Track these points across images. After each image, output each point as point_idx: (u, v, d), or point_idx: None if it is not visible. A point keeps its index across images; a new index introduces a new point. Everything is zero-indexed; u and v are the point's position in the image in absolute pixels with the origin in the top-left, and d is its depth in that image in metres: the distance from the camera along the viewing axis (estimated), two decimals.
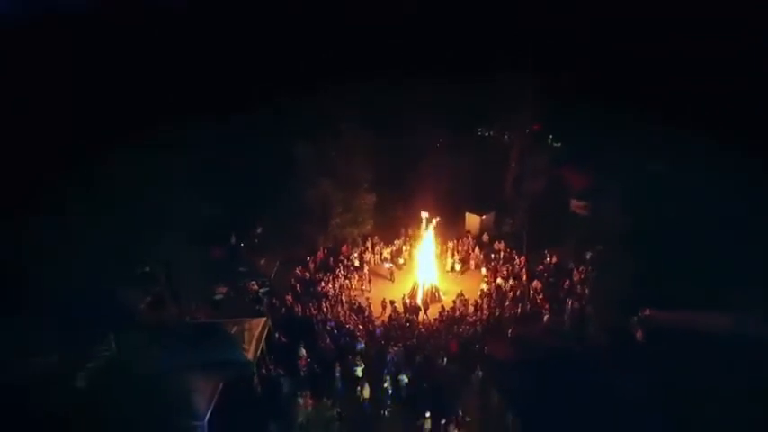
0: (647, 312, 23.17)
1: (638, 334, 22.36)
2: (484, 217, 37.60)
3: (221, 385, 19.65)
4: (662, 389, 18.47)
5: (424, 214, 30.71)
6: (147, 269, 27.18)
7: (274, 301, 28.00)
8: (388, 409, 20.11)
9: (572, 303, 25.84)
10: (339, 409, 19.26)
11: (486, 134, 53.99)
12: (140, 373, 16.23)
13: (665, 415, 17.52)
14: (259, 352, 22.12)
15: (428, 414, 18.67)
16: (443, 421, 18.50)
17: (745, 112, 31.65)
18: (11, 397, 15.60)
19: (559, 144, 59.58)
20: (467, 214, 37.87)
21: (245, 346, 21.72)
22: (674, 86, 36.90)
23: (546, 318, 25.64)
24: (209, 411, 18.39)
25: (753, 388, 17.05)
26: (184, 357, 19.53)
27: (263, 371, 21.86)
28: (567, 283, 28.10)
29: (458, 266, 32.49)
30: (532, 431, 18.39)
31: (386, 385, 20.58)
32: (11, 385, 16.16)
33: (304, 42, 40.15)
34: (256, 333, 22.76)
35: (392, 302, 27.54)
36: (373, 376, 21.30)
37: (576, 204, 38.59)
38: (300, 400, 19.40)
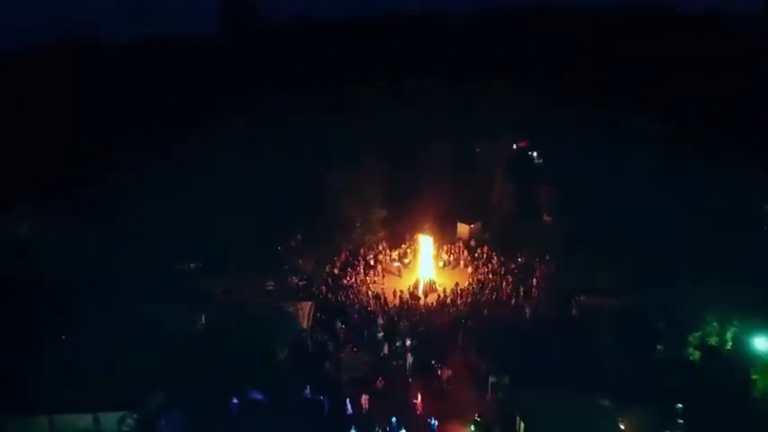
0: (581, 298, 32.65)
1: (574, 312, 31.94)
2: (472, 226, 47.26)
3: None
4: (585, 346, 27.80)
5: (425, 225, 40.56)
6: None
7: (314, 289, 37.55)
8: (400, 360, 29.69)
9: (532, 292, 35.57)
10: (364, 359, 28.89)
11: (477, 150, 63.78)
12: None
13: (583, 361, 26.77)
14: (309, 324, 31.88)
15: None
16: (438, 366, 28.14)
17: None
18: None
19: (541, 161, 69.66)
20: (458, 223, 47.54)
21: (300, 320, 31.52)
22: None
23: (513, 302, 35.30)
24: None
25: (642, 345, 26.36)
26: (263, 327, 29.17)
27: (314, 336, 31.40)
28: (531, 277, 37.77)
29: (450, 265, 42.21)
30: (498, 373, 27.72)
31: (398, 345, 30.28)
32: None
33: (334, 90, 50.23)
34: (306, 311, 32.64)
35: (401, 292, 37.25)
36: (389, 340, 30.90)
37: (546, 215, 48.12)
38: (342, 354, 29.02)
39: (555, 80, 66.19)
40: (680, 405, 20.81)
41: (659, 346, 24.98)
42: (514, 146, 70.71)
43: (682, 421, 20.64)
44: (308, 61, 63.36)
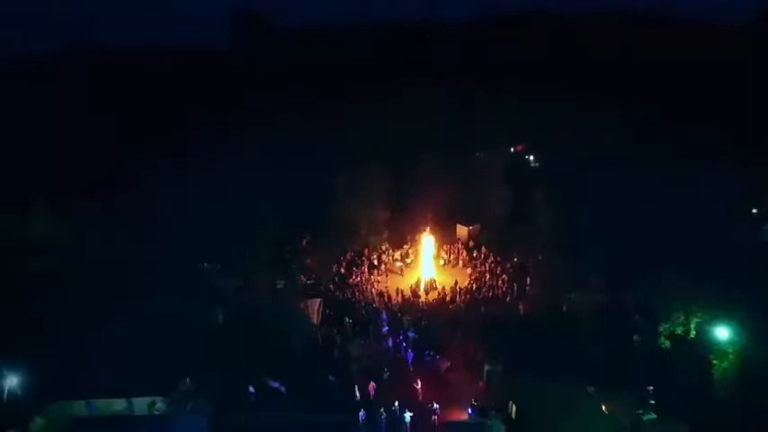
0: (572, 296, 35.20)
1: (564, 308, 34.50)
2: (470, 227, 49.82)
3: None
4: (572, 339, 30.34)
5: (425, 226, 43.14)
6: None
7: (322, 287, 40.11)
8: (403, 351, 32.23)
9: (526, 290, 38.15)
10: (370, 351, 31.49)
11: (477, 154, 66.40)
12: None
13: (570, 352, 29.28)
14: (319, 319, 34.46)
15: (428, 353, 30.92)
16: (437, 356, 30.74)
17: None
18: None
19: (538, 164, 72.22)
20: (457, 225, 50.10)
21: (311, 316, 34.11)
22: None
23: (508, 299, 37.87)
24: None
25: (622, 337, 28.99)
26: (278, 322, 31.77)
27: (324, 330, 33.96)
28: (525, 276, 40.35)
29: (449, 264, 44.78)
30: (492, 363, 30.26)
31: (401, 338, 32.82)
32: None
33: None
34: (316, 308, 35.21)
35: (403, 290, 39.83)
36: (393, 333, 33.46)
37: (540, 218, 50.62)
38: (350, 346, 31.61)
39: (552, 85, 68.34)
40: (651, 387, 23.42)
41: (636, 337, 27.66)
42: (512, 149, 73.66)
43: (653, 402, 23.24)
44: (315, 70, 66.08)
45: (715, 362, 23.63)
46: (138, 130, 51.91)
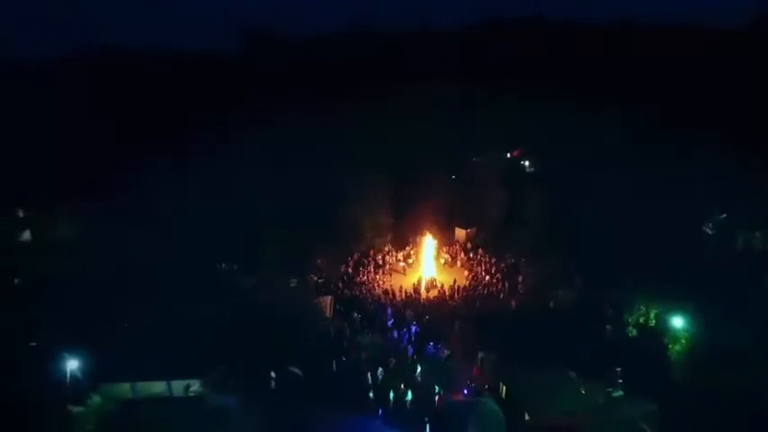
0: (559, 293, 39.05)
1: (551, 304, 38.36)
2: (468, 230, 53.71)
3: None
4: (557, 328, 34.09)
5: (426, 230, 47.06)
6: None
7: (331, 286, 43.97)
8: (406, 342, 36.07)
9: (517, 288, 42.05)
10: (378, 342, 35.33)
11: (474, 159, 70.28)
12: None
13: (555, 343, 33.06)
14: (331, 314, 38.32)
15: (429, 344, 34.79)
16: (438, 346, 34.60)
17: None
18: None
19: (532, 169, 76.07)
20: (456, 228, 53.98)
21: (325, 311, 37.98)
22: None
23: (501, 296, 41.73)
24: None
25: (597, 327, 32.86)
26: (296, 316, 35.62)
27: (335, 324, 37.80)
28: (516, 276, 44.22)
29: (448, 264, 48.67)
30: (486, 351, 34.04)
31: (404, 330, 36.68)
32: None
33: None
34: (328, 303, 39.08)
35: (406, 288, 43.68)
36: (397, 326, 37.29)
37: (532, 222, 54.47)
38: (358, 337, 35.44)
39: (546, 95, 71.57)
40: (618, 369, 27.36)
41: (608, 327, 31.62)
42: (507, 155, 77.50)
43: (621, 381, 27.16)
44: (321, 81, 70.10)
45: (670, 346, 27.64)
46: (160, 135, 56.32)
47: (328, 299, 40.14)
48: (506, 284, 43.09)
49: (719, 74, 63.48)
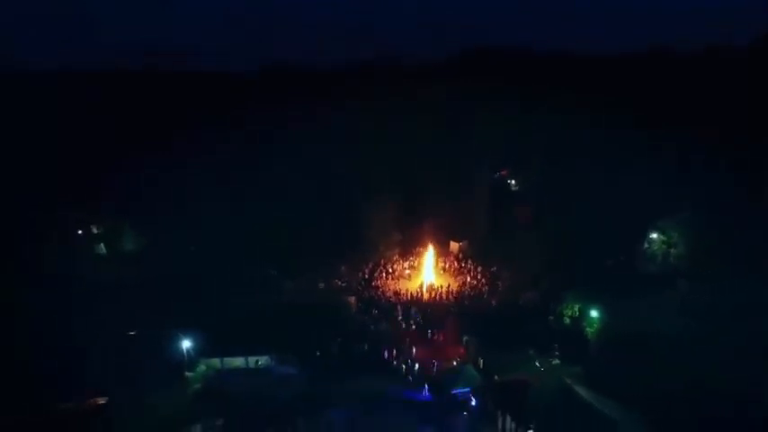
0: (528, 294, 51.68)
1: (520, 302, 51.01)
2: (460, 244, 66.46)
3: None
4: (522, 319, 46.53)
5: (427, 243, 60.10)
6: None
7: (353, 288, 56.72)
8: (411, 330, 48.76)
9: (498, 290, 54.84)
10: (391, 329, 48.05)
11: (467, 178, 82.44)
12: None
13: (520, 326, 45.34)
14: (355, 309, 51.14)
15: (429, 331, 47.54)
16: (435, 332, 47.28)
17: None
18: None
19: (518, 188, 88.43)
20: (451, 242, 66.78)
21: (351, 307, 50.79)
22: None
23: (485, 296, 54.41)
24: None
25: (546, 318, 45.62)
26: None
27: (358, 317, 50.49)
28: (498, 280, 56.97)
29: (444, 272, 61.49)
30: (470, 337, 46.55)
31: (411, 322, 49.42)
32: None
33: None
34: (353, 302, 51.90)
35: (410, 290, 56.41)
36: (405, 319, 49.97)
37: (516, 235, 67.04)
38: (376, 326, 48.20)
39: (530, 120, 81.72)
40: (556, 344, 40.14)
41: (550, 317, 44.55)
42: (496, 174, 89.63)
43: (558, 353, 39.91)
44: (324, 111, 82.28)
45: (588, 329, 40.64)
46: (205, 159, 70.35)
47: (353, 298, 52.91)
48: (488, 288, 55.80)
49: (702, 104, 65.28)
